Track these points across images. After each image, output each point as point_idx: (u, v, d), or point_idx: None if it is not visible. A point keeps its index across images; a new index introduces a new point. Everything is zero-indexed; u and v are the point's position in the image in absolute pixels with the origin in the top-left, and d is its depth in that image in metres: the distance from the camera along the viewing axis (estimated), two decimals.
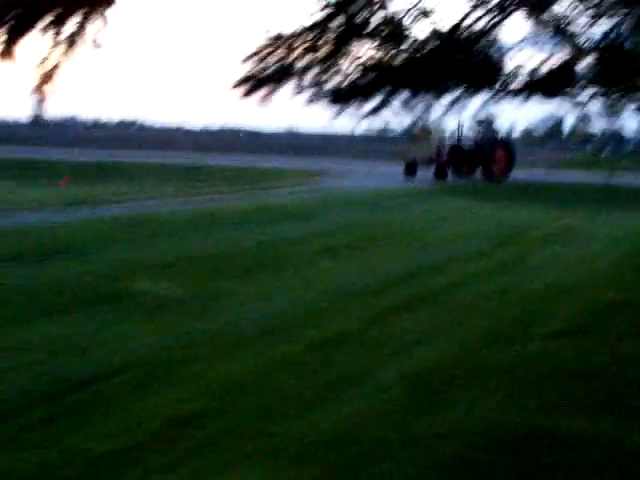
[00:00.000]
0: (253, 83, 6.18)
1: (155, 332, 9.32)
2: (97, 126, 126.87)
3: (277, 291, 11.87)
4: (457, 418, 6.88)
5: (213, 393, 7.33)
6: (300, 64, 6.18)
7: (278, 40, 6.07)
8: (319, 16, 5.94)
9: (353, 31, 6.03)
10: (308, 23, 6.01)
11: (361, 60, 6.25)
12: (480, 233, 19.65)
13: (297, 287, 12.23)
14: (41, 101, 4.87)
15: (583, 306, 11.45)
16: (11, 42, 4.29)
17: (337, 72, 6.27)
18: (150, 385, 7.52)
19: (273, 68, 6.16)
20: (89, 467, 5.77)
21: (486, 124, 42.63)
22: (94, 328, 9.42)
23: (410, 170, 41.46)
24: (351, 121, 6.86)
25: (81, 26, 4.44)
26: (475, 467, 5.93)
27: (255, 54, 6.18)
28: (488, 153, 41.24)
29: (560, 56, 6.75)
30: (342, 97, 6.22)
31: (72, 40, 4.52)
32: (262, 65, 6.13)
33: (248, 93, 6.24)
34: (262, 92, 6.25)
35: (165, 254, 14.79)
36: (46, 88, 4.74)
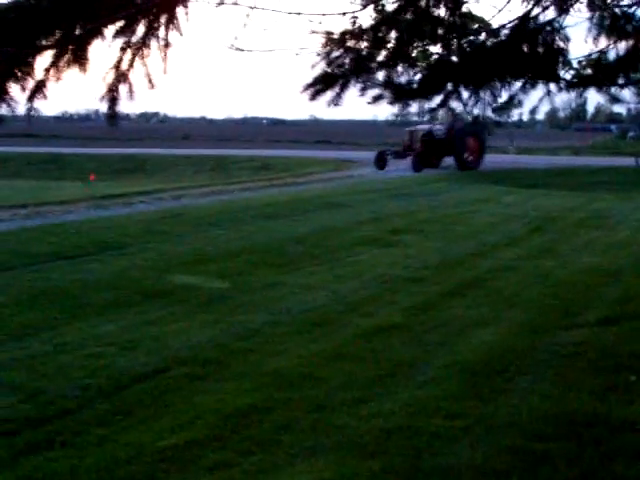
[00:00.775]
0: (321, 85, 6.23)
1: (206, 326, 9.41)
2: (120, 119, 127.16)
3: (322, 281, 11.93)
4: (512, 406, 6.90)
5: (268, 386, 7.39)
6: (367, 63, 6.23)
7: (344, 39, 6.12)
8: (385, 14, 5.99)
9: (420, 28, 6.07)
10: (373, 22, 6.06)
11: (427, 56, 6.29)
12: (516, 218, 19.65)
13: (342, 277, 12.28)
14: (114, 102, 4.95)
15: (625, 291, 11.45)
16: (83, 47, 4.37)
17: (404, 69, 6.32)
18: (206, 379, 7.60)
19: (341, 69, 6.21)
20: (152, 463, 5.83)
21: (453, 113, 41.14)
22: (146, 323, 9.53)
23: (380, 162, 38.63)
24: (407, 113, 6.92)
25: (151, 28, 4.52)
26: (535, 456, 5.94)
27: (322, 54, 6.23)
28: (460, 142, 39.36)
29: (626, 43, 6.74)
30: (408, 94, 6.26)
31: (144, 42, 4.60)
32: (330, 66, 6.17)
33: (316, 95, 6.30)
34: (330, 93, 6.31)
35: (209, 247, 14.87)
36: (119, 89, 4.82)
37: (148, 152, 48.16)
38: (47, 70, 4.41)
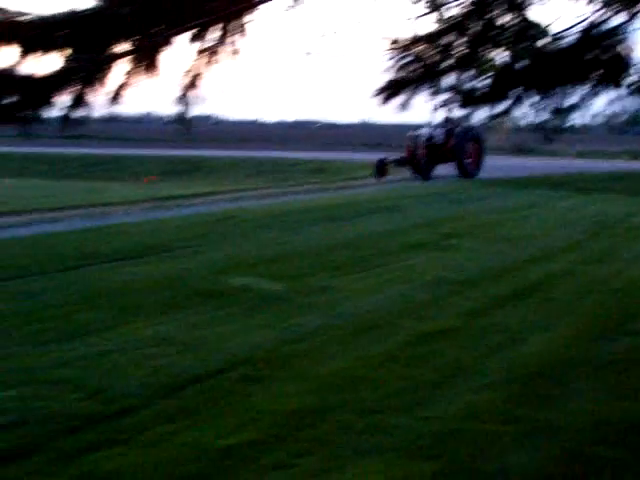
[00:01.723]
0: (392, 90, 6.32)
1: (261, 328, 9.50)
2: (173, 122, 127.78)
3: (373, 285, 11.98)
4: (569, 412, 6.92)
5: (324, 388, 7.46)
6: (437, 68, 6.30)
7: (414, 44, 6.20)
8: (454, 20, 6.06)
9: (488, 34, 6.13)
10: (437, 29, 6.13)
11: (495, 62, 6.35)
12: (567, 224, 19.53)
13: (393, 280, 12.32)
14: (186, 106, 5.07)
15: None
16: (156, 54, 4.49)
17: (473, 75, 6.38)
18: (261, 381, 7.68)
19: (411, 74, 6.29)
20: (213, 461, 5.92)
21: (451, 118, 36.70)
22: (204, 323, 9.64)
23: (380, 171, 35.39)
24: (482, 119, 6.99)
25: (222, 36, 4.64)
26: (591, 462, 5.97)
27: (393, 59, 6.31)
28: (461, 147, 36.51)
29: None
30: (475, 99, 6.33)
31: (215, 48, 4.71)
32: (401, 72, 6.26)
33: (387, 99, 6.39)
34: (401, 98, 6.40)
35: (261, 250, 14.98)
36: (191, 94, 4.95)
37: (203, 154, 48.45)
38: (125, 75, 4.54)
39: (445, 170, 35.54)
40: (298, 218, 19.70)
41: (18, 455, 5.99)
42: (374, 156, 37.29)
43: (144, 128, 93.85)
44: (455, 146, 36.15)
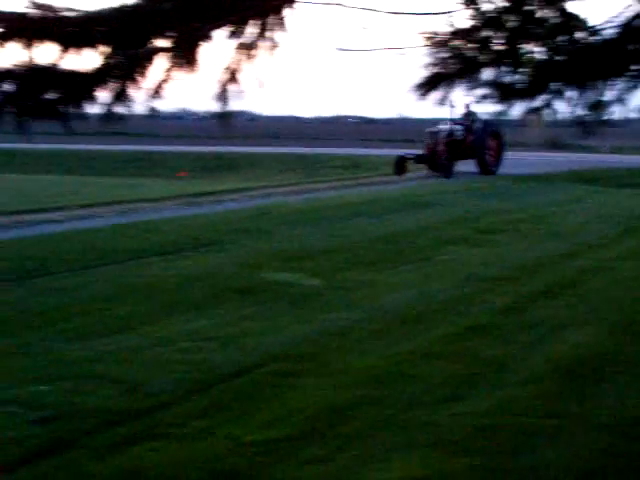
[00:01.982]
0: (430, 84, 6.31)
1: (298, 322, 9.51)
2: (208, 118, 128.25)
3: (410, 280, 11.96)
4: (607, 407, 6.88)
5: (361, 383, 7.46)
6: (474, 62, 6.28)
7: (452, 38, 6.18)
8: (492, 14, 6.03)
9: (526, 28, 6.10)
10: (474, 23, 6.11)
11: (534, 56, 6.32)
12: (603, 219, 19.40)
13: (432, 276, 12.30)
14: (225, 101, 5.08)
15: None
16: (195, 49, 4.51)
17: (512, 68, 6.35)
18: (300, 375, 7.69)
19: (449, 68, 6.28)
20: (250, 456, 5.94)
21: (468, 111, 36.05)
22: (240, 319, 9.66)
23: (400, 168, 33.96)
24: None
25: (260, 30, 4.65)
26: (630, 457, 5.94)
27: (431, 53, 6.29)
28: (482, 143, 35.05)
29: None
30: (513, 93, 6.30)
31: (253, 43, 4.72)
32: (439, 66, 6.24)
33: (425, 93, 6.38)
34: (439, 92, 6.39)
35: (297, 245, 15.00)
36: (230, 89, 4.96)
37: (238, 150, 48.52)
38: (165, 70, 4.56)
39: (464, 167, 34.61)
40: (333, 214, 19.70)
41: (56, 449, 6.05)
42: (411, 152, 36.95)
43: (178, 124, 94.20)
44: (475, 142, 35.06)
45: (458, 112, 35.41)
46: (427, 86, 6.42)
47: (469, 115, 35.87)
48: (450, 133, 35.34)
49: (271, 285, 11.49)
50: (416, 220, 18.80)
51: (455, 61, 6.24)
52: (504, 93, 6.36)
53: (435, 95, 6.43)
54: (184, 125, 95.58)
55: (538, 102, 6.53)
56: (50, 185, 27.90)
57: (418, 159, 34.91)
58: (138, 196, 23.28)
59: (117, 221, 18.34)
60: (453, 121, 35.76)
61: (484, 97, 6.55)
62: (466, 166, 34.39)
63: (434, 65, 6.32)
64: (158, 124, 76.90)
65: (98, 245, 14.65)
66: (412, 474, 5.65)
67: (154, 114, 4.78)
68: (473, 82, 6.47)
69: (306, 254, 13.95)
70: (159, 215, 19.53)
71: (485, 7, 6.05)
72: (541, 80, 6.17)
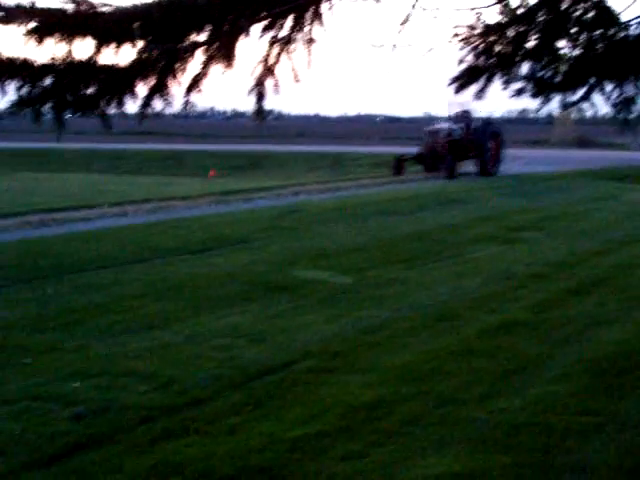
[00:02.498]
0: (466, 79, 6.31)
1: (330, 320, 9.50)
2: (236, 116, 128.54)
3: (441, 278, 11.93)
4: None
5: (395, 380, 7.44)
6: (510, 57, 6.27)
7: (489, 33, 6.17)
8: (527, 9, 6.02)
9: (561, 23, 6.08)
10: (516, 16, 6.09)
11: (569, 51, 6.31)
12: (636, 216, 19.29)
13: (463, 273, 12.26)
14: (261, 96, 5.08)
15: None
16: (232, 43, 4.51)
17: (547, 63, 6.33)
18: (333, 372, 7.68)
19: (485, 63, 6.27)
20: (284, 452, 5.93)
21: (463, 110, 34.17)
22: (272, 316, 9.67)
23: (398, 168, 32.87)
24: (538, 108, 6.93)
25: (297, 25, 4.64)
26: None
27: (467, 48, 6.29)
28: (482, 143, 33.08)
29: None
30: (550, 87, 6.28)
31: (290, 37, 4.72)
32: (474, 61, 6.24)
33: (461, 88, 6.37)
34: (475, 87, 6.38)
35: (328, 242, 15.00)
36: (267, 84, 4.96)
37: (264, 149, 48.60)
38: (203, 65, 4.56)
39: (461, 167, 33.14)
40: (362, 211, 19.69)
41: (93, 444, 6.07)
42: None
43: (205, 123, 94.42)
44: (476, 142, 33.28)
45: (453, 111, 34.67)
46: (464, 80, 6.41)
47: (465, 114, 34.50)
48: (450, 132, 33.85)
49: (302, 282, 11.49)
50: (446, 217, 18.76)
51: (490, 55, 6.22)
52: (541, 87, 6.33)
53: (471, 89, 6.43)
54: (211, 124, 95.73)
55: (574, 97, 6.50)
56: (81, 184, 28.05)
57: (417, 159, 33.92)
58: (168, 194, 23.36)
59: (148, 219, 18.42)
60: (449, 120, 34.82)
61: (520, 91, 6.53)
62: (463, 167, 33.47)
63: (470, 59, 6.31)
64: (186, 123, 77.07)
65: (130, 243, 14.71)
66: (448, 470, 5.63)
67: (191, 109, 4.78)
68: (509, 76, 6.45)
69: (337, 251, 13.94)
70: (190, 213, 19.60)
71: (516, 3, 6.03)
72: (579, 74, 6.14)
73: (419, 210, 20.13)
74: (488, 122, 34.43)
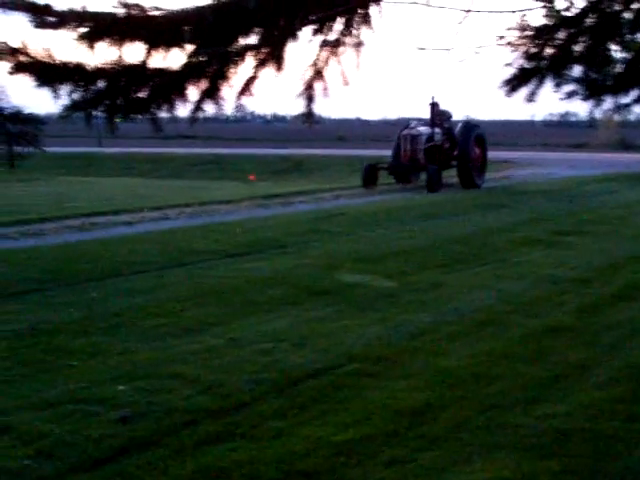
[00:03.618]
0: (517, 81, 6.28)
1: (373, 324, 9.47)
2: (276, 120, 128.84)
3: (485, 282, 11.85)
4: None
5: (440, 384, 7.40)
6: (561, 60, 6.23)
7: (537, 36, 6.13)
8: (578, 12, 5.99)
9: (611, 26, 6.02)
10: (566, 19, 6.05)
11: (619, 53, 6.26)
12: None
13: (506, 277, 12.17)
14: (310, 100, 5.08)
15: None
16: (282, 46, 4.51)
17: (597, 67, 6.29)
18: (377, 376, 7.65)
19: (536, 65, 6.24)
20: (330, 456, 5.91)
21: (439, 111, 30.09)
22: (315, 320, 9.65)
23: (369, 178, 28.36)
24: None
25: (346, 28, 4.64)
26: None
27: (518, 50, 6.27)
28: (466, 150, 28.55)
29: None
30: (602, 89, 6.22)
31: (339, 40, 4.72)
32: (525, 63, 6.21)
33: (513, 90, 6.35)
34: (526, 89, 6.35)
35: (369, 247, 14.98)
36: (316, 87, 4.96)
37: (304, 152, 48.66)
38: (254, 68, 4.58)
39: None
40: (404, 215, 19.67)
41: (137, 448, 6.09)
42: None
43: (244, 127, 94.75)
44: (459, 148, 28.84)
45: (426, 112, 30.51)
46: (515, 82, 6.38)
47: (441, 116, 30.25)
48: (430, 137, 29.17)
49: (345, 286, 11.47)
50: (489, 221, 18.68)
51: (540, 59, 6.18)
52: (593, 90, 6.27)
53: (522, 92, 6.39)
54: (251, 127, 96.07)
55: (627, 99, 6.44)
56: (122, 188, 28.23)
57: (393, 169, 29.21)
58: (209, 198, 23.45)
59: (189, 223, 18.49)
60: (425, 123, 30.16)
61: (571, 94, 6.48)
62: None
63: (519, 62, 6.28)
64: (226, 127, 77.34)
65: (171, 247, 14.77)
66: (498, 475, 5.58)
67: (242, 112, 4.81)
68: (560, 79, 6.40)
69: (379, 256, 13.91)
70: (230, 217, 19.66)
71: (561, 6, 5.99)
72: (631, 77, 6.08)
73: (463, 214, 20.09)
74: (472, 126, 30.18)
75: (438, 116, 29.73)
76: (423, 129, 29.44)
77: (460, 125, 29.97)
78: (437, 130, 29.36)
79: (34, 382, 7.49)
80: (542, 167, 33.84)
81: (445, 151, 29.15)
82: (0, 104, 44.24)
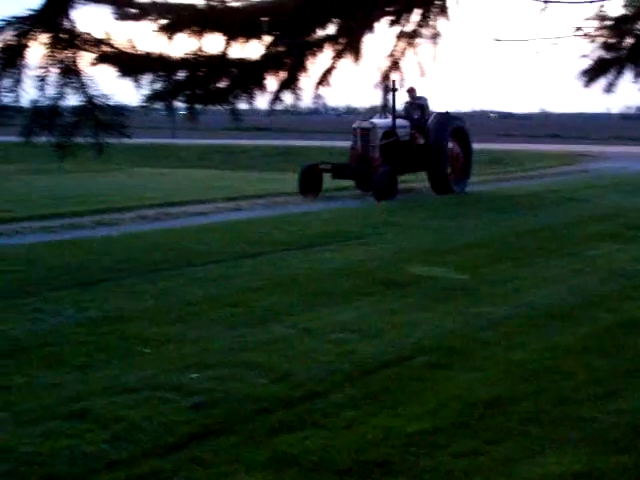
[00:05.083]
0: (596, 72, 6.25)
1: (447, 316, 9.46)
2: (348, 112, 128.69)
3: (558, 275, 11.77)
4: None
5: (512, 377, 7.39)
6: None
7: (615, 27, 6.09)
8: None
9: None
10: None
11: None
12: None
13: (578, 271, 12.08)
14: (387, 91, 5.12)
15: None
16: (358, 39, 4.55)
17: None
18: (449, 368, 7.65)
19: (615, 55, 6.20)
20: (401, 447, 5.93)
21: (415, 98, 24.56)
22: (387, 311, 9.67)
23: (307, 183, 22.86)
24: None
25: (423, 19, 4.67)
26: None
27: (597, 40, 6.23)
28: (440, 146, 23.24)
29: None
30: None
31: (415, 32, 4.75)
32: (603, 53, 6.18)
33: (591, 81, 6.32)
34: (605, 79, 6.31)
35: (442, 239, 14.97)
36: (393, 78, 5.00)
37: None
38: (332, 59, 4.63)
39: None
40: (476, 208, 19.58)
41: (211, 434, 6.17)
42: (553, 147, 36.10)
43: (318, 120, 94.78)
44: (431, 144, 23.46)
45: (401, 100, 24.69)
46: (593, 73, 6.33)
47: (417, 105, 24.66)
48: (389, 131, 23.40)
49: (416, 279, 11.46)
50: (562, 215, 18.50)
51: (619, 49, 6.13)
52: None
53: (601, 82, 6.34)
54: (324, 120, 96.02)
55: None
56: (196, 178, 28.47)
57: (336, 171, 23.43)
58: (282, 190, 23.55)
59: (262, 214, 18.62)
60: (394, 113, 23.58)
61: None
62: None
63: (596, 53, 6.23)
64: (299, 119, 77.43)
65: (244, 237, 14.88)
66: (570, 469, 5.56)
67: (320, 103, 4.85)
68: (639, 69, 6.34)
69: (451, 248, 13.88)
70: (303, 208, 19.75)
71: None
72: None
73: (536, 207, 19.93)
74: (450, 117, 24.66)
75: (411, 106, 24.59)
76: (379, 121, 23.60)
77: (433, 116, 24.14)
78: (403, 122, 23.89)
79: (111, 368, 7.62)
80: (615, 161, 33.33)
81: (415, 148, 23.59)
82: (90, 92, 44.77)
